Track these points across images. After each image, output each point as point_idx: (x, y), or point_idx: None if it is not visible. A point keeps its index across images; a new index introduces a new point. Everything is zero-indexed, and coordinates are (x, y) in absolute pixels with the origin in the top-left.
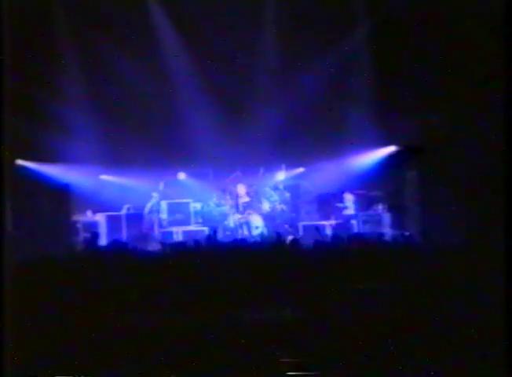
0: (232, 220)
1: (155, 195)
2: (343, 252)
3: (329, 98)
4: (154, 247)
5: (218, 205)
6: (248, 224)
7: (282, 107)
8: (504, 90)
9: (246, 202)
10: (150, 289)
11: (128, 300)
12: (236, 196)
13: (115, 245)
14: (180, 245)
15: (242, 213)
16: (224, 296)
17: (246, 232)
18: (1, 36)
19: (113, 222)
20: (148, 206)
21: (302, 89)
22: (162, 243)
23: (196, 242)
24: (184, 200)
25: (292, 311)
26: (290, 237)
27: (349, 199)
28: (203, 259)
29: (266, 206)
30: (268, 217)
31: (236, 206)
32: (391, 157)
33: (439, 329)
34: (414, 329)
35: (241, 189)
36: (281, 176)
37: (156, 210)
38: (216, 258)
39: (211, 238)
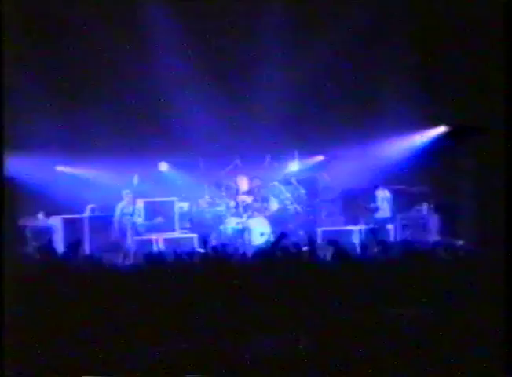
0: (230, 225)
1: (126, 193)
2: (376, 267)
3: (356, 66)
4: (125, 259)
5: (212, 205)
6: (250, 230)
7: (295, 77)
8: None
9: (249, 201)
10: (119, 314)
11: (89, 326)
12: (235, 193)
13: (76, 257)
14: (160, 258)
15: (242, 215)
16: (219, 324)
17: (247, 241)
18: None
19: (72, 228)
20: (119, 207)
21: (322, 55)
22: (137, 256)
23: (182, 254)
24: (167, 199)
25: (308, 342)
26: (305, 248)
27: (383, 196)
28: (191, 276)
29: (274, 207)
30: (276, 221)
31: (235, 206)
32: (439, 141)
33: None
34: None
35: (242, 183)
36: (294, 166)
37: (129, 212)
38: (208, 275)
39: (202, 248)
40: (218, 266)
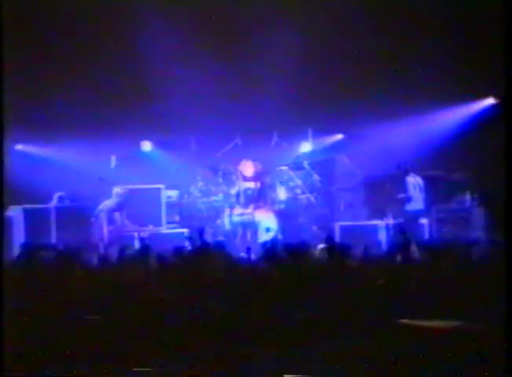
0: (229, 218)
1: (118, 191)
2: (405, 271)
3: (383, 26)
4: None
5: (206, 193)
6: (254, 224)
7: (309, 38)
8: None
9: (252, 189)
10: (93, 328)
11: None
12: (236, 180)
13: (36, 254)
14: (142, 257)
15: (244, 206)
16: (215, 339)
17: (250, 238)
18: None
19: (36, 220)
20: (107, 205)
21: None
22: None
23: (172, 252)
24: (151, 186)
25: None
26: (321, 246)
27: (415, 184)
28: (180, 281)
29: (282, 196)
30: (284, 214)
31: (236, 195)
32: (486, 116)
33: None
34: None
35: (245, 168)
36: (306, 147)
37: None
38: (201, 280)
39: (194, 246)
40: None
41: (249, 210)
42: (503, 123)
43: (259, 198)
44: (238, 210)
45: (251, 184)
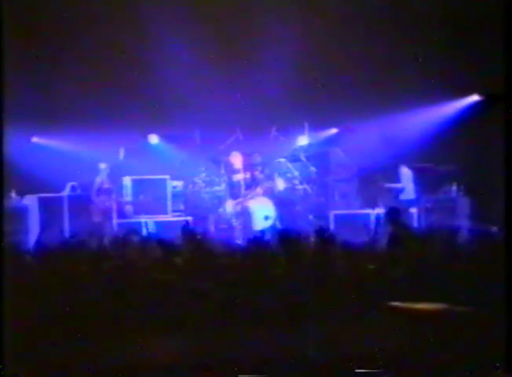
0: (228, 206)
1: (103, 166)
2: (394, 258)
3: (376, 29)
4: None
5: (209, 184)
6: (252, 213)
7: (303, 38)
8: None
9: (250, 179)
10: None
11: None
12: (237, 171)
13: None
14: (146, 242)
15: (243, 196)
16: (214, 325)
17: (247, 225)
18: None
19: (50, 208)
20: (97, 182)
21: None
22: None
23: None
24: (158, 176)
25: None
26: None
27: (406, 176)
28: (181, 267)
29: (280, 187)
30: (282, 203)
31: (235, 185)
32: (470, 112)
33: None
34: None
35: (234, 160)
36: (303, 140)
37: (107, 189)
38: (202, 266)
39: (196, 232)
40: (215, 254)
41: (240, 200)
42: (503, 120)
43: (250, 188)
44: (230, 200)
45: (240, 176)
